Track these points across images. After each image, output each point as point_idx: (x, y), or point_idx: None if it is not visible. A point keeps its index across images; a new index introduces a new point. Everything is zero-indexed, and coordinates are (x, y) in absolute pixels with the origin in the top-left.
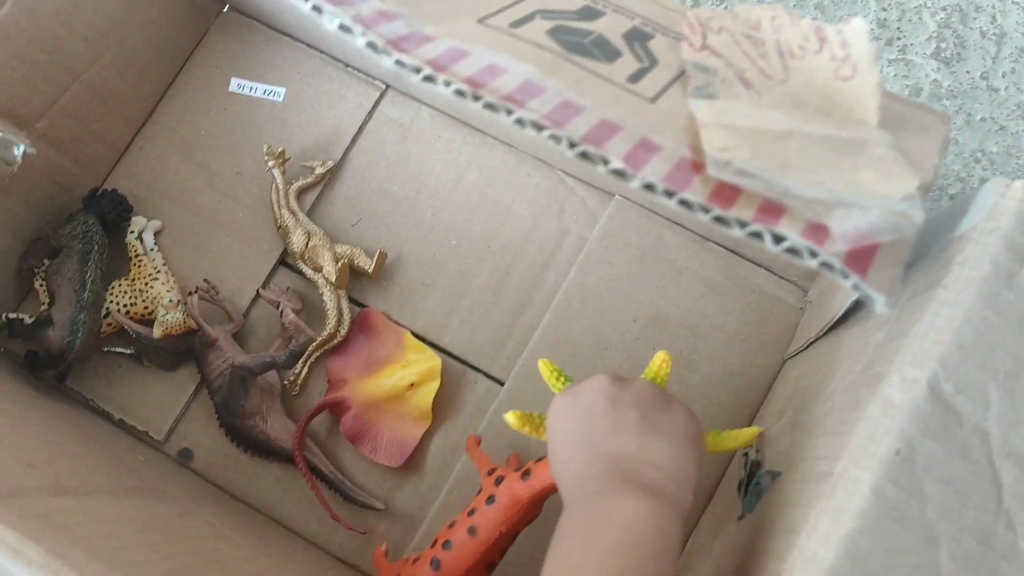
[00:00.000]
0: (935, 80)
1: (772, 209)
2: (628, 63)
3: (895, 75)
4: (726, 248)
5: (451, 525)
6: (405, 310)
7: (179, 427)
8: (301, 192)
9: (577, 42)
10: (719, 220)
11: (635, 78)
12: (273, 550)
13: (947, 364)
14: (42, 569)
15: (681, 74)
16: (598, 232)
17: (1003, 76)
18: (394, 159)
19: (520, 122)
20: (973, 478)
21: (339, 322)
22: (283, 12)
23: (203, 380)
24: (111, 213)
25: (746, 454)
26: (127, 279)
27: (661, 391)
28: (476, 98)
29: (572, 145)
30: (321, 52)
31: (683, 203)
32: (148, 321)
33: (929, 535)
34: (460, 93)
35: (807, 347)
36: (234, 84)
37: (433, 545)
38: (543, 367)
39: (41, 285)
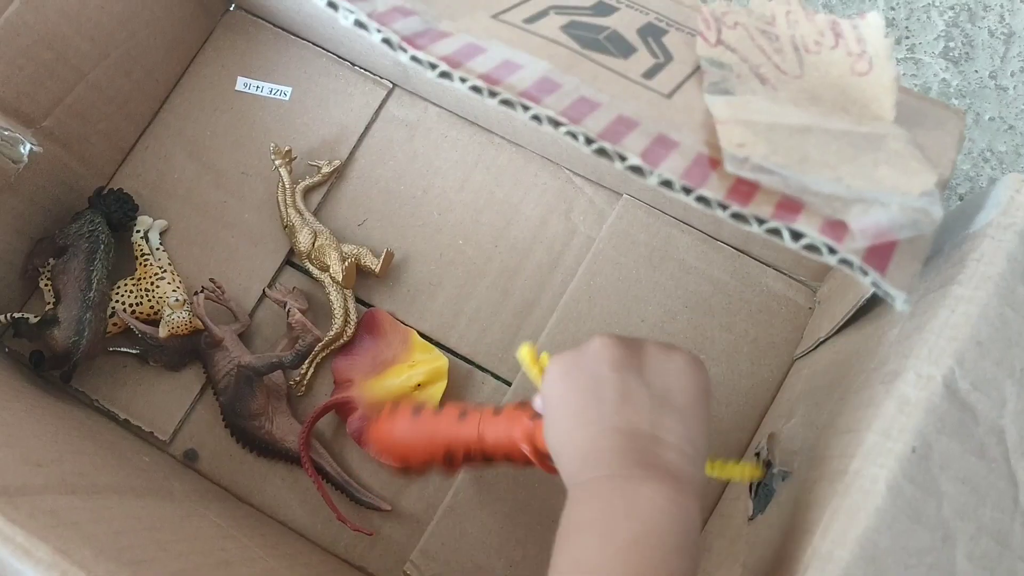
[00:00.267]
0: (944, 79)
1: (790, 206)
2: (643, 59)
3: (904, 74)
4: (734, 248)
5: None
6: (412, 310)
7: (184, 428)
8: (307, 191)
9: (592, 38)
10: (737, 217)
11: (650, 74)
12: (279, 551)
13: (963, 361)
14: (51, 568)
15: (696, 70)
16: (606, 232)
17: (1012, 75)
18: (401, 158)
19: (537, 118)
20: (990, 476)
21: (345, 322)
22: (290, 11)
23: (209, 380)
24: (117, 212)
25: (757, 454)
26: (133, 279)
27: (667, 348)
28: (492, 94)
29: (589, 141)
30: (327, 51)
31: (701, 200)
32: (154, 321)
33: (946, 534)
34: (476, 89)
35: (816, 347)
36: (240, 83)
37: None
38: (525, 354)
39: (46, 285)
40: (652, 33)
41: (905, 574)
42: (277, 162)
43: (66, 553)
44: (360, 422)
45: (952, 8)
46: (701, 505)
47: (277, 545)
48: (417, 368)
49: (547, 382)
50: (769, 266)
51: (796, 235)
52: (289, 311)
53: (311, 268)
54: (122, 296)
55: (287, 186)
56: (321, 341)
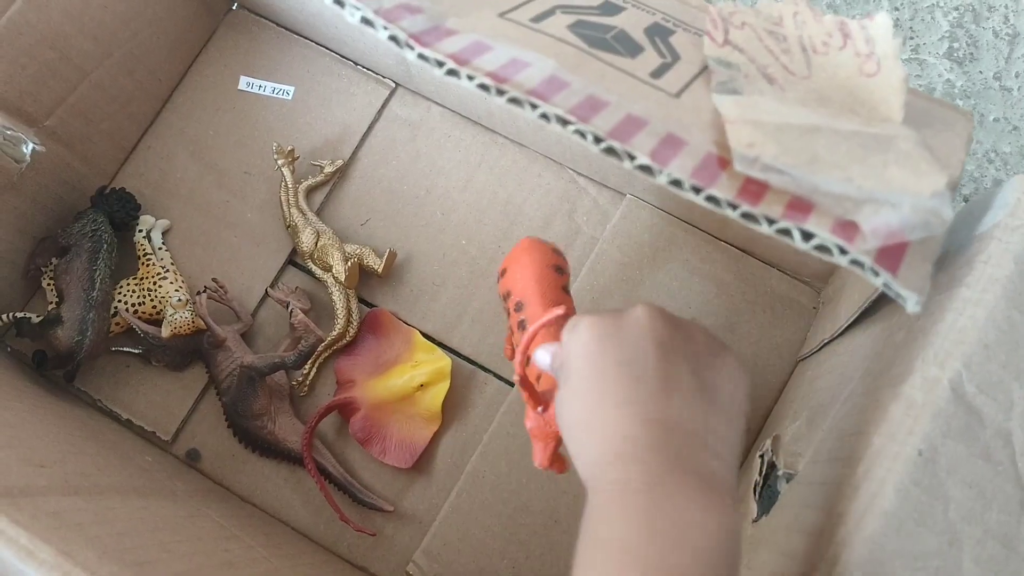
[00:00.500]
0: (948, 80)
1: (800, 206)
2: (651, 58)
3: (908, 75)
4: (738, 248)
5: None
6: (415, 310)
7: (187, 428)
8: (310, 191)
9: (599, 37)
10: (747, 217)
11: (658, 73)
12: (282, 551)
13: (970, 364)
14: (54, 569)
15: (704, 69)
16: (610, 232)
17: (1016, 76)
18: (404, 158)
19: (545, 117)
20: (996, 480)
21: (348, 322)
22: (293, 10)
23: (211, 380)
24: (119, 212)
25: (761, 456)
26: (135, 278)
27: (719, 342)
28: (500, 92)
29: (598, 140)
30: (330, 50)
31: (711, 199)
32: (156, 320)
33: (952, 538)
34: (484, 87)
35: (821, 348)
36: (243, 82)
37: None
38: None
39: (49, 284)
40: (659, 33)
41: None
42: (280, 162)
43: (69, 555)
44: (362, 422)
45: (956, 9)
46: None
47: (280, 545)
48: (420, 368)
49: (575, 343)
50: (773, 267)
51: (807, 235)
52: (292, 311)
53: (314, 268)
54: (125, 296)
55: (290, 186)
56: (324, 341)
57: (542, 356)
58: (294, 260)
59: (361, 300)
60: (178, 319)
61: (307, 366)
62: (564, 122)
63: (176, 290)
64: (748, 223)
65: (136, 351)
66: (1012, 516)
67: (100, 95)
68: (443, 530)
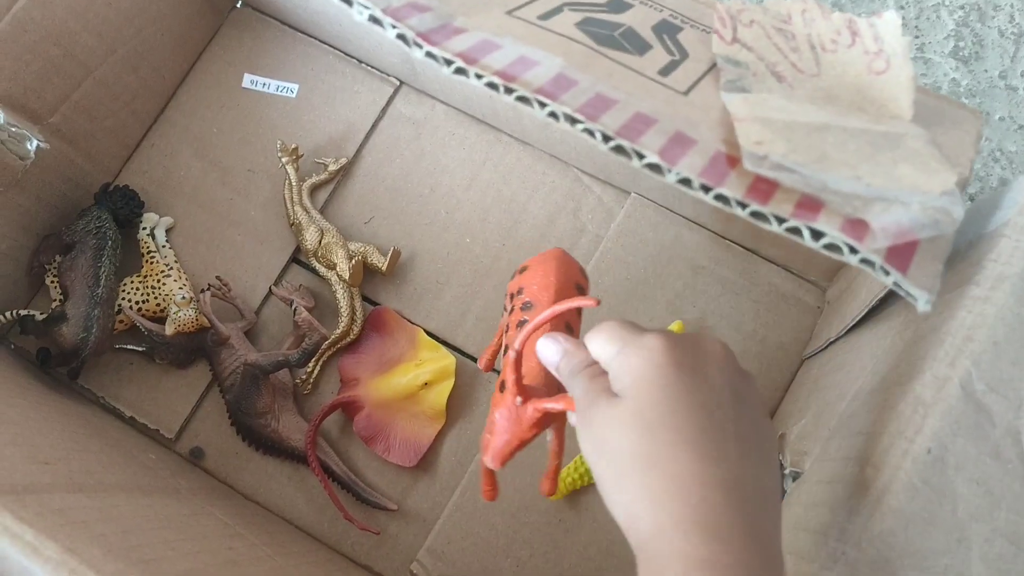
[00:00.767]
0: (953, 79)
1: (810, 204)
2: (659, 56)
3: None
4: (743, 247)
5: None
6: (419, 308)
7: (190, 426)
8: (314, 189)
9: (607, 34)
10: (756, 216)
11: (666, 71)
12: (286, 550)
13: (980, 362)
14: (60, 566)
15: (712, 67)
16: (614, 231)
17: (1022, 75)
18: (408, 156)
19: (554, 115)
20: (1006, 478)
21: (352, 320)
22: (297, 8)
23: (215, 378)
24: (123, 209)
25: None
26: (139, 276)
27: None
28: (509, 91)
29: (606, 139)
30: (335, 48)
31: (720, 198)
32: (160, 318)
33: (961, 536)
34: (492, 86)
35: (827, 347)
36: (247, 80)
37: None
38: None
39: (52, 281)
40: (667, 30)
41: None
42: (284, 160)
43: (75, 551)
44: (366, 421)
45: (962, 8)
46: None
47: (284, 544)
48: (424, 367)
49: (642, 360)
50: (778, 265)
51: (816, 234)
52: (295, 309)
53: (318, 266)
54: (128, 293)
55: (294, 184)
56: (327, 339)
57: (549, 349)
58: (298, 258)
59: (365, 298)
60: (182, 317)
61: (311, 364)
62: (573, 120)
63: (180, 288)
64: (758, 222)
65: (140, 349)
66: (1021, 515)
67: (104, 92)
68: (447, 528)
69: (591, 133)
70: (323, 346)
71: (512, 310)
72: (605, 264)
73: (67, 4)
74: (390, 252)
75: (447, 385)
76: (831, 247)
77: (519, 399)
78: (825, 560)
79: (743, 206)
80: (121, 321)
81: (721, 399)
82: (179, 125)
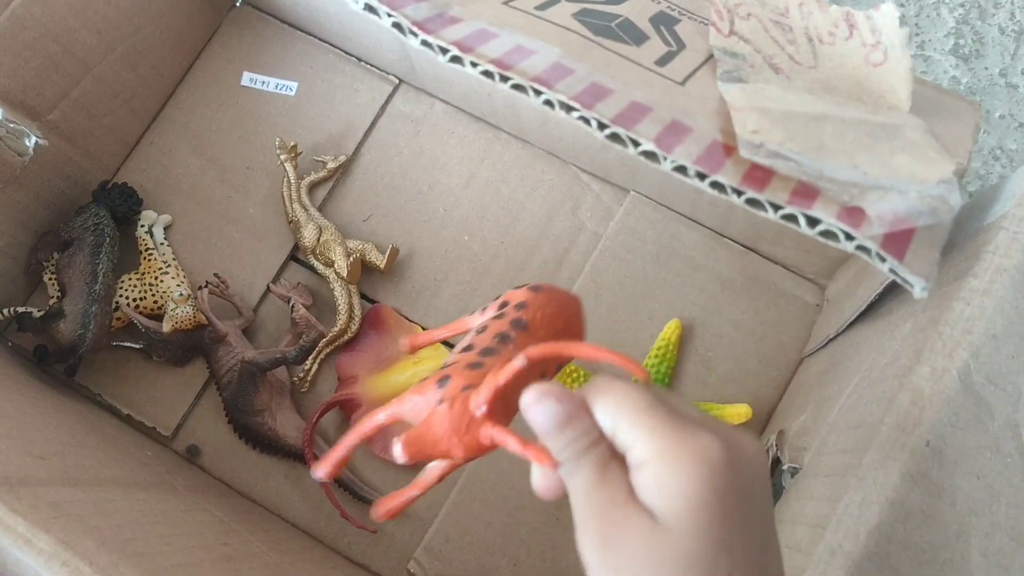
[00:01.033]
0: (953, 76)
1: (806, 192)
2: (656, 46)
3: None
4: (743, 245)
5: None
6: (417, 306)
7: (187, 423)
8: (313, 187)
9: (604, 25)
10: (752, 203)
11: (663, 61)
12: (282, 547)
13: (978, 354)
14: (52, 558)
15: (709, 58)
16: (613, 229)
17: (1022, 73)
18: (407, 154)
19: (549, 103)
20: (1005, 472)
21: (350, 318)
22: (296, 6)
23: (212, 376)
24: (121, 206)
25: (766, 451)
26: (137, 273)
27: None
28: (504, 79)
29: (602, 127)
30: (334, 46)
31: (715, 185)
32: (157, 315)
33: (960, 529)
34: (488, 74)
35: (826, 344)
36: (246, 78)
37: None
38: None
39: (50, 279)
40: (664, 22)
41: (919, 569)
42: (282, 157)
43: (68, 544)
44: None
45: (962, 5)
46: None
47: (280, 541)
48: (422, 364)
49: (698, 485)
50: (778, 264)
51: (812, 221)
52: (293, 306)
53: (316, 263)
54: (126, 291)
55: (292, 181)
56: (325, 337)
57: (543, 410)
58: (296, 256)
59: (363, 296)
60: (179, 314)
61: (308, 362)
62: (568, 108)
63: (177, 285)
64: (753, 209)
65: (137, 346)
66: (1020, 509)
67: (103, 90)
68: (444, 527)
69: (587, 121)
70: (321, 344)
71: (502, 316)
72: (604, 262)
73: (66, 1)
74: (388, 250)
75: None
76: (827, 234)
77: (482, 409)
78: (822, 553)
79: (739, 193)
80: (119, 318)
81: (766, 523)
82: (178, 123)
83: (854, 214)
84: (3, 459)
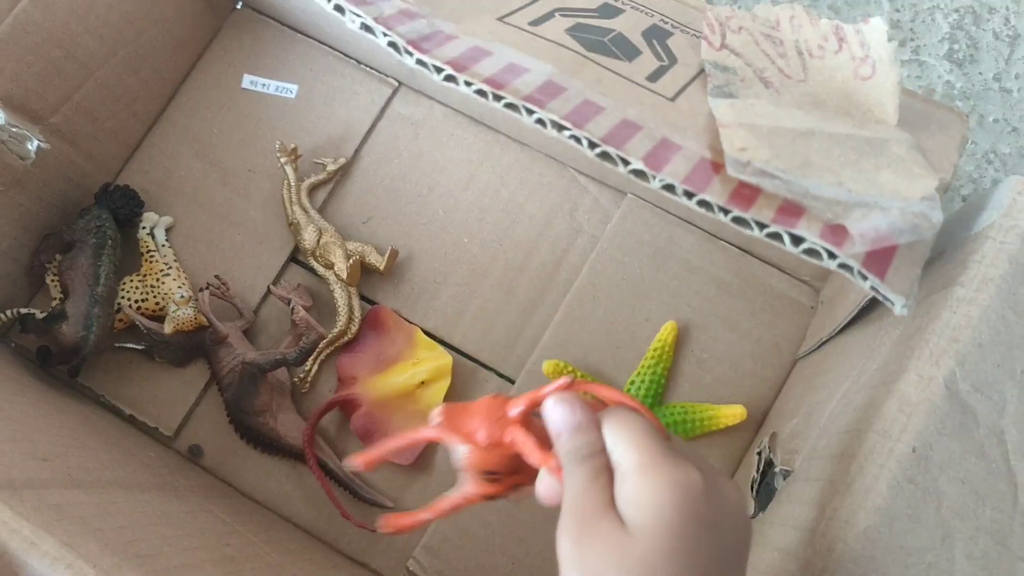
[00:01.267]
0: (948, 81)
1: (791, 210)
2: (647, 61)
3: (908, 76)
4: (738, 248)
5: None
6: (416, 308)
7: (189, 424)
8: (313, 189)
9: (597, 40)
10: (738, 221)
11: (654, 77)
12: (284, 547)
13: (964, 363)
14: (57, 561)
15: (700, 72)
16: (610, 231)
17: (1016, 78)
18: (406, 157)
19: (541, 122)
20: (990, 478)
21: (350, 319)
22: (296, 9)
23: (213, 377)
24: (123, 208)
25: (759, 453)
26: (138, 275)
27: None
28: (497, 98)
29: (592, 146)
30: (334, 49)
31: (703, 204)
32: (159, 317)
33: (945, 534)
34: (481, 93)
35: (819, 347)
36: (247, 81)
37: None
38: (550, 370)
39: (53, 280)
40: (657, 36)
41: (905, 572)
42: (283, 160)
43: (72, 546)
44: (364, 419)
45: (957, 11)
46: None
47: (281, 541)
48: (421, 366)
49: (670, 505)
50: (773, 266)
51: (796, 239)
52: (293, 308)
53: (316, 265)
54: (128, 292)
55: (292, 184)
56: (325, 338)
57: (561, 413)
58: (296, 257)
59: (363, 297)
60: (180, 315)
61: (309, 363)
62: (560, 127)
63: (179, 287)
64: (740, 227)
65: (139, 347)
66: (1005, 513)
67: (105, 93)
68: (443, 526)
69: (578, 140)
70: (321, 345)
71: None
72: (601, 264)
73: (68, 6)
74: (388, 252)
75: (444, 384)
76: (811, 252)
77: (517, 410)
78: (811, 556)
79: (725, 212)
80: (120, 320)
81: (726, 561)
82: (179, 126)
83: (837, 232)
84: (7, 462)
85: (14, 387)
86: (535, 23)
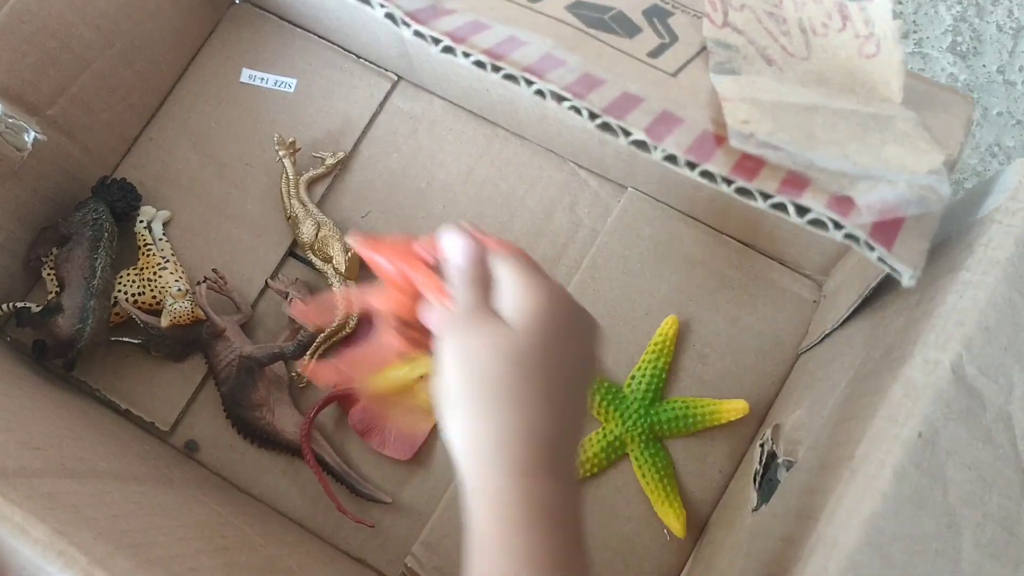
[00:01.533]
0: (951, 74)
1: (796, 182)
2: (648, 39)
3: (911, 68)
4: (740, 242)
5: None
6: None
7: (185, 418)
8: (311, 183)
9: (597, 17)
10: (742, 192)
11: (655, 53)
12: (279, 540)
13: (971, 346)
14: (48, 548)
15: (702, 50)
16: (610, 225)
17: (1020, 70)
18: (405, 151)
19: (540, 93)
20: (997, 463)
21: (348, 314)
22: (295, 3)
23: (210, 371)
24: (120, 202)
25: (761, 445)
26: (135, 268)
27: (577, 316)
28: (496, 69)
29: (593, 116)
30: (333, 43)
31: (705, 174)
32: (156, 311)
33: (952, 520)
34: (480, 64)
35: (822, 340)
36: (245, 75)
37: None
38: None
39: (49, 274)
40: (657, 14)
41: (911, 560)
42: (281, 153)
43: (63, 534)
44: (362, 414)
45: (960, 2)
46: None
47: (277, 534)
48: (420, 360)
49: (545, 307)
50: (774, 260)
51: (801, 210)
52: (291, 302)
53: (314, 259)
54: (124, 286)
55: (291, 177)
56: (323, 332)
57: (457, 242)
58: (294, 251)
59: None
60: (177, 309)
61: (307, 357)
62: (560, 98)
63: (176, 280)
64: (743, 198)
65: (135, 341)
66: (1012, 500)
67: (102, 85)
68: (442, 522)
69: (578, 111)
70: (319, 339)
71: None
72: (601, 258)
73: None
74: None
75: None
76: (816, 223)
77: (421, 246)
78: (815, 544)
79: (729, 183)
80: (117, 314)
81: (577, 364)
82: (177, 119)
83: (843, 203)
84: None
85: (10, 380)
86: (534, 0)
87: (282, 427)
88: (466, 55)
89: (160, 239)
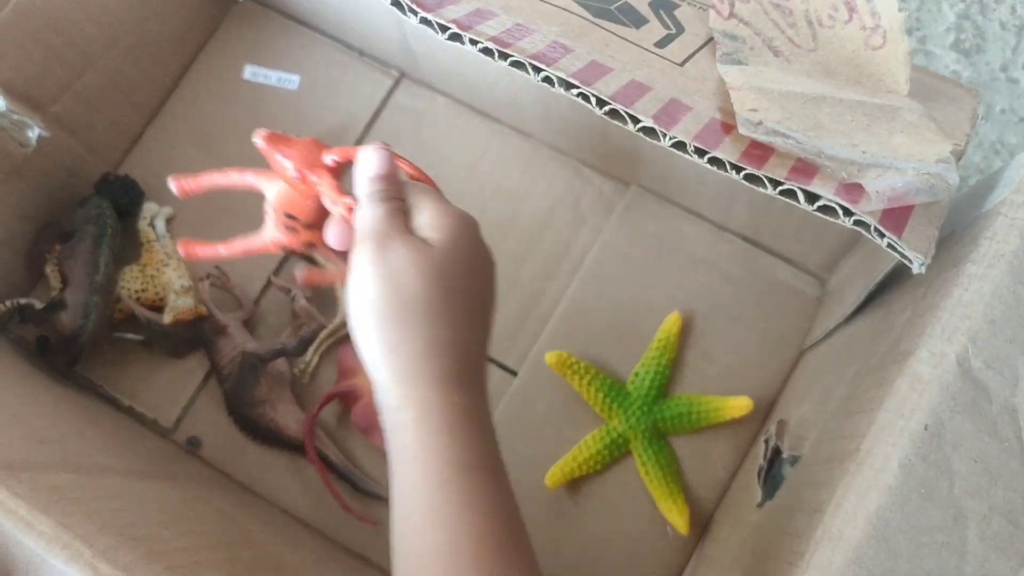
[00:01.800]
0: (954, 71)
1: (805, 169)
2: (655, 29)
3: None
4: (744, 238)
5: None
6: None
7: (188, 415)
8: None
9: (603, 8)
10: (750, 179)
11: (662, 43)
12: (282, 537)
13: (976, 339)
14: (53, 541)
15: (708, 41)
16: (614, 222)
17: (1023, 67)
18: (408, 147)
19: (549, 80)
20: (1002, 456)
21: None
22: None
23: (213, 367)
24: (123, 198)
25: (766, 441)
26: (138, 265)
27: (474, 246)
28: (503, 56)
29: (601, 103)
30: (335, 40)
31: (714, 161)
32: (159, 307)
33: (957, 513)
34: (487, 52)
35: (826, 337)
36: (248, 72)
37: None
38: (553, 361)
39: (52, 270)
40: (664, 6)
41: (916, 553)
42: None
43: (68, 526)
44: (364, 411)
45: (963, 0)
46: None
47: (279, 531)
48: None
49: (462, 229)
50: (779, 257)
51: (811, 197)
52: (294, 298)
53: (317, 256)
54: (127, 282)
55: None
56: (326, 328)
57: (375, 159)
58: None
59: None
60: (180, 305)
61: (309, 354)
62: (568, 85)
63: (179, 277)
64: (752, 185)
65: (138, 338)
66: (1018, 492)
67: (106, 83)
68: None
69: (586, 98)
70: (321, 336)
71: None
72: (605, 255)
73: None
74: None
75: None
76: (826, 209)
77: (332, 157)
78: (821, 538)
79: (738, 169)
80: (120, 310)
81: (485, 287)
82: (180, 116)
83: (853, 190)
84: (4, 443)
85: (14, 377)
86: None
87: (284, 424)
88: (473, 42)
89: (163, 236)
